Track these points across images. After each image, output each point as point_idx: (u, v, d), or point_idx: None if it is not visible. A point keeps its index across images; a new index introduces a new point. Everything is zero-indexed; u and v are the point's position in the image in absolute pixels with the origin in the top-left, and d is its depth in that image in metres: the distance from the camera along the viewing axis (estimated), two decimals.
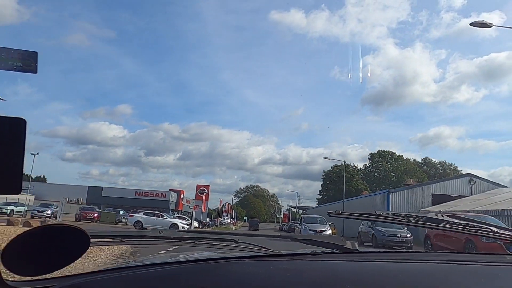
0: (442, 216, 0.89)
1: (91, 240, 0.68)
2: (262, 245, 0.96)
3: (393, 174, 59.50)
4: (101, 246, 0.98)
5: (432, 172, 63.32)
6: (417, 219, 0.87)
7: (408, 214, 0.88)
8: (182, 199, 53.90)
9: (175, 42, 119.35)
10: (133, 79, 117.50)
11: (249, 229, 52.25)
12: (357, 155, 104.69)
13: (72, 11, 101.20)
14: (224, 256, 0.93)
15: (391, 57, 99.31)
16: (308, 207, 67.49)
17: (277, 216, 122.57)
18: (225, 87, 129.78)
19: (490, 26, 14.05)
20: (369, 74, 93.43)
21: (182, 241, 0.94)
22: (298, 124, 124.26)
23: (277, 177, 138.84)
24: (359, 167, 65.84)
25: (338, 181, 58.47)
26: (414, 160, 64.81)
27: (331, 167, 62.59)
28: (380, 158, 62.65)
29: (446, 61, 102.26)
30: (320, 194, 65.45)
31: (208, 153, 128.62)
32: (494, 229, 0.87)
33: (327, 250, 0.90)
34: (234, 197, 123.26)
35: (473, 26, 14.54)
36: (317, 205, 61.72)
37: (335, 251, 0.89)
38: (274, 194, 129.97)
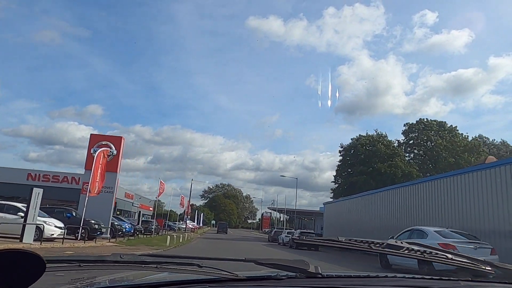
0: (402, 242, 1.08)
1: (47, 265, 0.76)
2: (225, 268, 1.11)
3: (445, 154, 43.63)
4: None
5: (494, 153, 46.16)
6: (377, 245, 1.05)
7: (369, 241, 1.06)
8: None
9: (148, 44, 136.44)
10: (105, 79, 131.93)
11: (217, 232, 58.60)
12: (329, 163, 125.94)
13: (43, 7, 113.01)
14: (186, 279, 1.06)
15: (365, 68, 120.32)
16: (304, 210, 60.58)
17: (249, 221, 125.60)
18: (199, 91, 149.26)
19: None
20: (343, 84, 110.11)
21: (143, 265, 1.07)
22: (272, 131, 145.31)
23: (249, 183, 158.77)
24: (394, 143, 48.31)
25: (367, 159, 43.24)
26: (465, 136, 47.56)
27: (355, 137, 47.76)
28: (424, 131, 46.43)
29: (417, 75, 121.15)
30: (335, 182, 49.34)
31: (180, 157, 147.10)
32: (450, 255, 1.07)
33: (290, 274, 1.07)
34: (202, 197, 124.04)
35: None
36: (332, 200, 44.58)
37: (298, 275, 1.06)
38: (248, 195, 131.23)
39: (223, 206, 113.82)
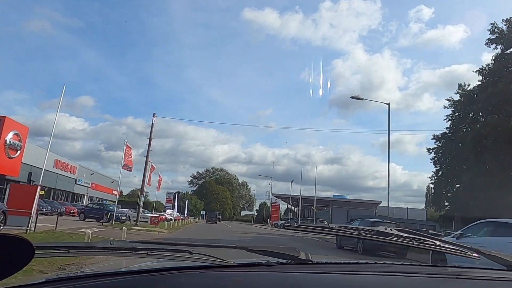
0: (391, 230, 1.30)
1: (36, 252, 0.90)
2: (216, 255, 1.32)
3: None
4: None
5: None
6: (367, 232, 1.27)
7: (360, 228, 1.28)
8: (9, 145, 30.86)
9: (141, 37, 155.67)
10: (97, 71, 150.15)
11: (207, 222, 62.33)
12: (321, 157, 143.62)
13: None
14: (177, 266, 1.28)
15: (359, 63, 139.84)
16: (318, 197, 60.65)
17: (242, 213, 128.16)
18: (192, 84, 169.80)
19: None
20: (337, 78, 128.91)
21: (134, 252, 1.27)
22: (265, 124, 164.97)
23: (241, 176, 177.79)
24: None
25: None
26: None
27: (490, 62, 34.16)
28: None
29: (411, 70, 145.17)
30: (450, 127, 36.84)
31: (172, 150, 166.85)
32: (438, 242, 1.29)
33: (281, 260, 1.28)
34: (190, 184, 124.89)
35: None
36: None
37: (289, 261, 1.28)
38: (244, 181, 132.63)
39: (215, 194, 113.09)
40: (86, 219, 31.18)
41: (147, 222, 33.13)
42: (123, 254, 1.28)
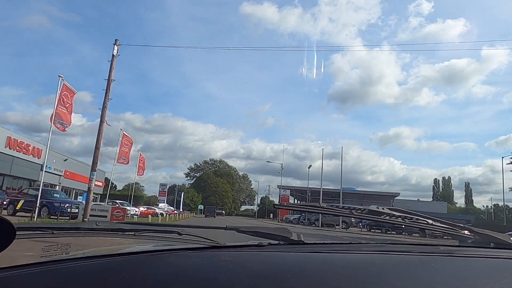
0: (383, 208, 1.35)
1: (17, 233, 0.90)
2: (207, 237, 1.36)
3: None
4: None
5: None
6: (359, 211, 1.32)
7: (351, 207, 1.33)
8: None
9: (137, 31, 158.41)
10: (94, 66, 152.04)
11: (205, 217, 64.17)
12: (319, 152, 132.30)
13: None
14: (166, 248, 1.32)
15: (358, 57, 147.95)
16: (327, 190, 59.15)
17: (242, 208, 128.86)
18: (190, 79, 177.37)
19: None
20: (336, 73, 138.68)
21: (120, 233, 1.30)
22: (263, 120, 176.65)
23: (239, 171, 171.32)
24: None
25: None
26: None
27: None
28: None
29: (410, 65, 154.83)
30: None
31: (170, 146, 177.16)
32: (430, 221, 1.35)
33: (273, 242, 1.33)
34: (187, 177, 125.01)
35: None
36: None
37: (281, 242, 1.33)
38: (245, 174, 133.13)
39: (214, 187, 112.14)
40: (19, 213, 22.59)
41: (106, 217, 23.74)
42: (110, 235, 1.31)
